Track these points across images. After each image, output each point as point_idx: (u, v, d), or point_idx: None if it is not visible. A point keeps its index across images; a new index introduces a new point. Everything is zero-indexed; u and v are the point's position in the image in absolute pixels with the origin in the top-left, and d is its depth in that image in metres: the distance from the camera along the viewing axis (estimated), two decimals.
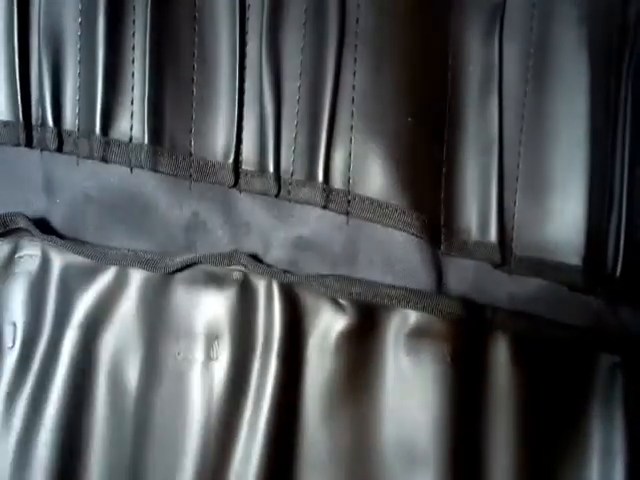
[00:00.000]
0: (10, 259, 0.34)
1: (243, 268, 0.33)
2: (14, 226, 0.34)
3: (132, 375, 0.33)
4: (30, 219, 0.33)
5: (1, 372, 0.33)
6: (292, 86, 0.32)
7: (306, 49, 0.32)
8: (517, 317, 0.33)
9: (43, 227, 0.34)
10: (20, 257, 0.34)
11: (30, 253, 0.34)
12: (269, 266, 0.33)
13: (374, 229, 0.33)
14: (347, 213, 0.32)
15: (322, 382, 0.32)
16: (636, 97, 0.34)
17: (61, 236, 0.34)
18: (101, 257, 0.33)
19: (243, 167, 0.33)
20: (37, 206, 0.34)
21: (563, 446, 0.34)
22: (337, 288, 0.32)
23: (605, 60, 0.33)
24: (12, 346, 0.33)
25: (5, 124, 0.33)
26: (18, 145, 0.33)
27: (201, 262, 0.33)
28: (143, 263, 0.33)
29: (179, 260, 0.33)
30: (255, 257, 0.33)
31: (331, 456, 0.32)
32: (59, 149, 0.33)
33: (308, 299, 0.33)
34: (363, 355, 0.33)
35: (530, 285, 0.34)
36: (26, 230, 0.34)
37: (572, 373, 0.34)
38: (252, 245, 0.34)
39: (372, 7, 0.31)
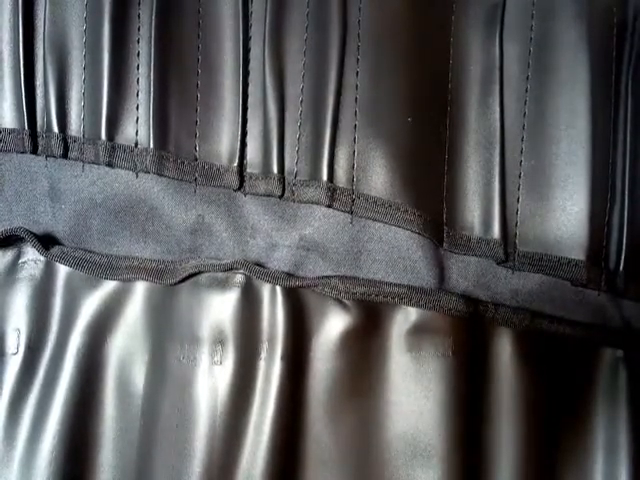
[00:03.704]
0: (14, 265, 0.34)
1: (247, 272, 0.33)
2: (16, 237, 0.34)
3: (138, 379, 0.33)
4: (33, 233, 0.33)
5: (5, 379, 0.33)
6: (295, 88, 0.33)
7: (309, 52, 0.32)
8: (520, 313, 0.33)
9: (48, 234, 0.34)
10: (24, 262, 0.34)
11: (34, 258, 0.34)
12: (273, 271, 0.33)
13: (377, 227, 0.33)
14: (351, 212, 0.33)
15: (327, 383, 0.33)
16: (636, 92, 0.35)
17: (67, 242, 0.34)
18: (105, 273, 0.33)
19: (248, 170, 0.33)
20: (42, 212, 0.34)
21: (567, 440, 0.34)
22: (342, 289, 0.32)
23: (605, 56, 0.34)
24: (16, 352, 0.33)
25: (10, 132, 0.33)
26: (24, 152, 0.33)
27: (204, 271, 0.33)
28: (148, 275, 0.33)
29: (182, 268, 0.33)
30: (258, 264, 0.33)
31: (337, 455, 0.32)
32: (64, 155, 0.33)
33: (312, 301, 0.33)
34: (367, 354, 0.33)
35: (533, 281, 0.34)
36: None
37: (575, 368, 0.34)
38: (257, 247, 0.34)
39: (373, 9, 0.32)
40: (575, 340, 0.34)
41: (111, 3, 0.32)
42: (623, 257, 0.34)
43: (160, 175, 0.33)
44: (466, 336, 0.33)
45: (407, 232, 0.33)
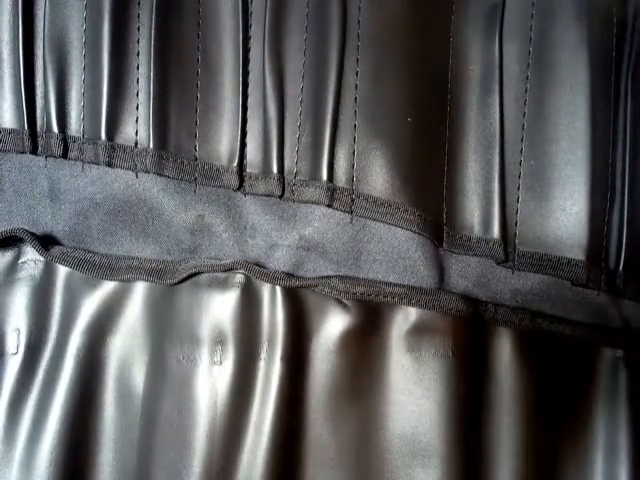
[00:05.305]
0: (13, 265, 0.34)
1: (247, 272, 0.33)
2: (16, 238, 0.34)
3: (138, 379, 0.33)
4: (33, 233, 0.33)
5: (5, 379, 0.33)
6: (295, 88, 0.33)
7: (308, 52, 0.32)
8: (520, 313, 0.33)
9: (48, 234, 0.34)
10: (24, 262, 0.34)
11: (33, 258, 0.34)
12: (273, 271, 0.33)
13: (377, 227, 0.33)
14: (351, 211, 0.33)
15: (327, 383, 0.33)
16: (636, 92, 0.35)
17: (66, 242, 0.34)
18: (105, 273, 0.33)
19: (247, 170, 0.33)
20: (42, 212, 0.34)
21: (567, 439, 0.34)
22: (341, 289, 0.32)
23: (604, 56, 0.34)
24: (16, 352, 0.33)
25: (10, 132, 0.33)
26: (23, 152, 0.33)
27: (204, 272, 0.33)
28: (148, 275, 0.33)
29: (182, 268, 0.33)
30: (257, 264, 0.33)
31: (337, 455, 0.32)
32: (64, 155, 0.33)
33: (312, 301, 0.33)
34: (367, 353, 0.33)
35: (533, 281, 0.34)
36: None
37: (575, 368, 0.34)
38: (257, 247, 0.34)
39: (373, 9, 0.32)
40: (575, 340, 0.34)
41: (111, 3, 0.32)
42: (623, 257, 0.34)
43: (160, 175, 0.33)
44: (466, 336, 0.33)
45: (407, 232, 0.33)
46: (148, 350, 0.33)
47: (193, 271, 0.33)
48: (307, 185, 0.33)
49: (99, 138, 0.33)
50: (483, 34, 0.34)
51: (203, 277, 0.33)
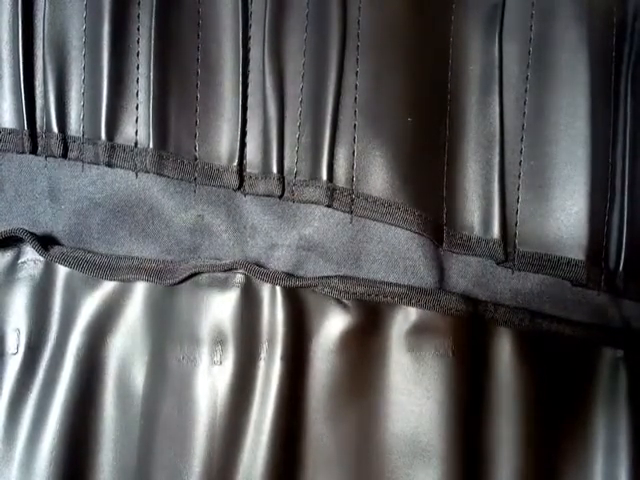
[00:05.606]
0: (13, 264, 0.34)
1: (247, 272, 0.33)
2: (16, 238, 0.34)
3: (138, 380, 0.33)
4: (33, 233, 0.33)
5: (5, 379, 0.33)
6: (295, 88, 0.33)
7: (308, 52, 0.32)
8: (520, 313, 0.33)
9: (48, 234, 0.34)
10: (23, 262, 0.34)
11: (33, 258, 0.34)
12: (273, 271, 0.33)
13: (377, 227, 0.33)
14: (351, 212, 0.33)
15: (327, 383, 0.33)
16: (636, 92, 0.35)
17: (66, 242, 0.34)
18: (105, 273, 0.33)
19: (247, 170, 0.33)
20: (42, 212, 0.34)
21: (567, 440, 0.34)
22: (341, 289, 0.32)
23: (604, 56, 0.34)
24: (16, 352, 0.33)
25: (10, 132, 0.33)
26: (23, 152, 0.33)
27: (204, 272, 0.33)
28: (148, 275, 0.33)
29: (182, 268, 0.33)
30: (257, 264, 0.33)
31: (337, 455, 0.32)
32: (64, 155, 0.33)
33: (312, 301, 0.33)
34: (367, 353, 0.33)
35: (533, 281, 0.34)
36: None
37: (575, 368, 0.34)
38: (257, 247, 0.34)
39: (373, 9, 0.32)
40: (575, 340, 0.34)
41: (111, 3, 0.32)
42: (623, 257, 0.34)
43: (160, 175, 0.33)
44: (466, 336, 0.33)
45: (407, 232, 0.33)
46: (148, 350, 0.33)
47: (193, 271, 0.33)
48: (307, 185, 0.33)
49: (99, 138, 0.33)
50: (483, 34, 0.34)
51: (203, 277, 0.33)
